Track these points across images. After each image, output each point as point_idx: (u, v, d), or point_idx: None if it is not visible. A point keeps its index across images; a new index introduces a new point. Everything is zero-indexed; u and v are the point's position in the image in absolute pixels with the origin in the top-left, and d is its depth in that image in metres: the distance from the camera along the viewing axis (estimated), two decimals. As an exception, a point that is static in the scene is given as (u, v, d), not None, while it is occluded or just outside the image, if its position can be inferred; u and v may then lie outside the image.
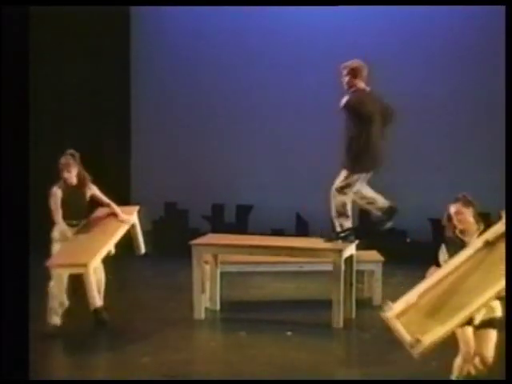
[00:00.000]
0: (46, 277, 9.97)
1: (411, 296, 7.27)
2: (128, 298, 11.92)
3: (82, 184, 10.32)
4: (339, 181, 10.54)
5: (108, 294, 10.37)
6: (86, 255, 10.00)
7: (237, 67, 15.31)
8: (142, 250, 10.89)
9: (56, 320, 10.05)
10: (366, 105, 10.31)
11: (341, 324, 10.38)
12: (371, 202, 10.72)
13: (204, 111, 15.43)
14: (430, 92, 15.14)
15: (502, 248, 7.17)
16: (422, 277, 10.16)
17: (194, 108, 15.45)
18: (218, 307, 11.39)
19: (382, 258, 11.65)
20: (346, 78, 10.36)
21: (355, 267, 10.99)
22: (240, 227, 14.77)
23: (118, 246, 10.56)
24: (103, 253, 10.20)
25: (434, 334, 6.92)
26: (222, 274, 11.52)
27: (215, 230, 13.37)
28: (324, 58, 14.85)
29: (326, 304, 10.56)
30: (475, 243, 7.39)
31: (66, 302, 10.11)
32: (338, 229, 10.55)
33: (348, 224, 10.56)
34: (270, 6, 14.95)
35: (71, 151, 10.36)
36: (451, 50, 15.14)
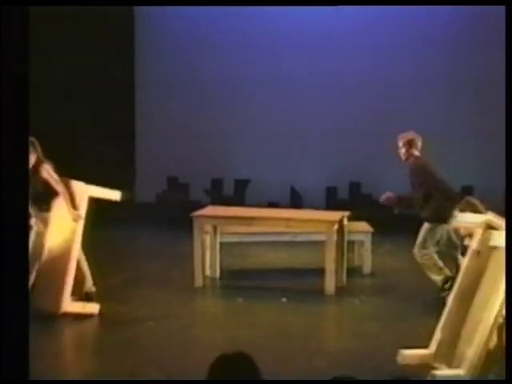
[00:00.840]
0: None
1: (437, 334, 7.24)
2: (133, 266, 11.93)
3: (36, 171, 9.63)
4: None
5: (115, 264, 10.35)
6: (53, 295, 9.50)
7: (234, 54, 15.25)
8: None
9: None
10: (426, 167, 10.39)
11: (333, 291, 10.40)
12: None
13: (205, 92, 15.39)
14: (430, 92, 15.02)
15: (491, 254, 7.11)
16: (409, 246, 10.25)
17: (196, 89, 15.41)
18: (217, 275, 11.41)
19: (371, 229, 11.67)
20: (403, 150, 10.43)
21: (346, 238, 11.03)
22: (238, 200, 14.78)
23: (121, 218, 10.50)
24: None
25: (469, 360, 6.94)
26: (221, 244, 11.53)
27: (214, 203, 13.36)
28: (321, 43, 14.97)
29: (319, 272, 10.59)
30: (467, 257, 7.33)
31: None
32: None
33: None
34: (272, 6, 14.81)
35: (31, 139, 9.89)
36: (451, 50, 14.91)
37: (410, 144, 10.41)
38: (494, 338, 7.07)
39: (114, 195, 9.79)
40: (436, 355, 7.18)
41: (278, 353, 8.19)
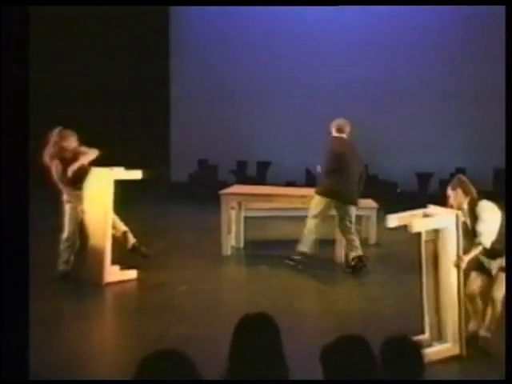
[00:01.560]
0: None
1: (426, 319, 7.34)
2: (168, 238, 11.97)
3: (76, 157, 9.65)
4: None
5: (153, 235, 10.37)
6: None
7: (258, 49, 15.22)
8: None
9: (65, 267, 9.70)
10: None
11: (342, 259, 10.43)
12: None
13: (232, 84, 15.37)
14: (430, 91, 14.83)
15: (438, 237, 7.15)
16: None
17: (224, 81, 15.39)
18: (241, 245, 11.46)
19: (376, 205, 11.68)
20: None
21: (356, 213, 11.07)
22: (260, 180, 14.81)
23: (157, 195, 10.51)
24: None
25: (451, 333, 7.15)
26: (245, 218, 11.58)
27: (239, 182, 13.39)
28: (336, 43, 14.90)
29: (330, 243, 10.60)
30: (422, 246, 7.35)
31: (77, 242, 9.75)
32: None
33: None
34: (292, 7, 14.72)
35: (71, 132, 9.71)
36: (451, 50, 14.65)
37: (338, 129, 10.33)
38: (463, 308, 7.15)
39: (136, 175, 9.71)
40: (431, 337, 7.25)
41: (294, 313, 8.24)
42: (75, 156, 9.62)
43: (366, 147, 14.59)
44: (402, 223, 6.99)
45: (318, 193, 10.11)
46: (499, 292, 7.34)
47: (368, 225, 11.60)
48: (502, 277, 7.30)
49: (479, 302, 7.52)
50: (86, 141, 9.68)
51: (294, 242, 10.54)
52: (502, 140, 8.54)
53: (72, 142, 9.63)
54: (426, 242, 7.19)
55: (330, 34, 15.12)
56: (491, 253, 7.39)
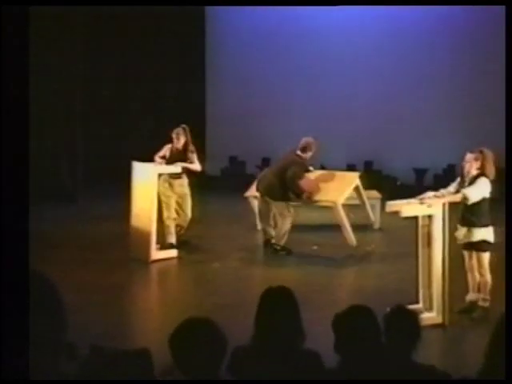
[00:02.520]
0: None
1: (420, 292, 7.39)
2: (204, 223, 11.88)
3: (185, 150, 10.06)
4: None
5: (191, 222, 10.30)
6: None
7: (280, 63, 15.01)
8: None
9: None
10: None
11: (354, 242, 10.27)
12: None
13: (257, 88, 15.10)
14: (429, 91, 14.13)
15: (430, 222, 7.19)
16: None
17: (249, 86, 15.16)
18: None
19: (380, 196, 11.61)
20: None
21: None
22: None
23: (196, 187, 10.51)
24: None
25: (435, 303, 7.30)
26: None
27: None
28: (351, 49, 14.39)
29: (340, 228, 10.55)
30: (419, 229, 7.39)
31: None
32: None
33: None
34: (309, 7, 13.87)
35: (183, 125, 10.18)
36: (451, 50, 13.80)
37: (302, 149, 10.23)
38: (446, 283, 7.17)
39: (176, 169, 9.77)
40: (424, 307, 7.27)
41: (310, 287, 8.21)
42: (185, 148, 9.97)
43: (371, 145, 14.57)
44: (395, 209, 7.13)
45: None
46: (482, 264, 7.34)
47: (373, 212, 11.53)
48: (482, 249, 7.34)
49: (477, 276, 7.47)
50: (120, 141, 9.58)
51: (310, 226, 10.47)
52: (496, 139, 8.34)
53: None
54: (422, 226, 7.25)
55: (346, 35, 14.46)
56: (466, 219, 7.34)
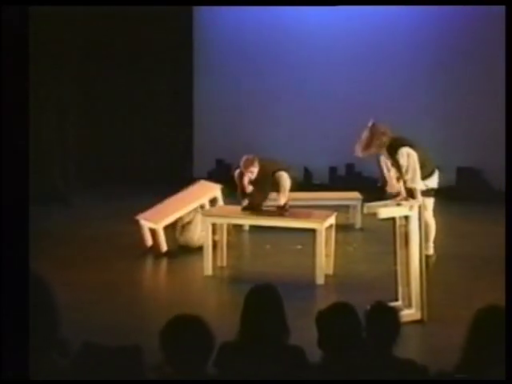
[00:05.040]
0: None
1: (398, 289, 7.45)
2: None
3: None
4: None
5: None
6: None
7: (264, 69, 14.91)
8: None
9: None
10: None
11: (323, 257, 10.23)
12: None
13: (243, 95, 14.99)
14: (429, 91, 13.81)
15: (408, 222, 7.27)
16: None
17: (238, 92, 15.01)
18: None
19: (361, 197, 11.63)
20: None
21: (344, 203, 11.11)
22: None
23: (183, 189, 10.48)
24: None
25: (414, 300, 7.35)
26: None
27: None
28: (338, 50, 14.12)
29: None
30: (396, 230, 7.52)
31: None
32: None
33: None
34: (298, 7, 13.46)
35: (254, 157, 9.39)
36: (451, 50, 13.47)
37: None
38: (424, 282, 7.23)
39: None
40: (403, 304, 7.32)
41: (294, 284, 8.24)
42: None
43: (353, 148, 14.42)
44: (372, 211, 7.21)
45: None
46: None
47: (354, 212, 11.55)
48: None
49: None
50: (109, 142, 9.35)
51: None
52: (497, 139, 8.26)
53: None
54: (399, 226, 7.35)
55: (339, 36, 14.09)
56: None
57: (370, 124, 8.20)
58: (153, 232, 9.81)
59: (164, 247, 9.73)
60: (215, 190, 10.63)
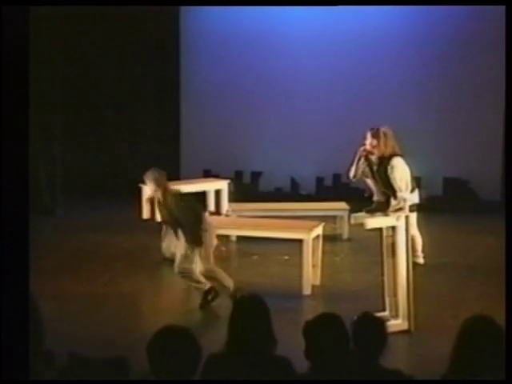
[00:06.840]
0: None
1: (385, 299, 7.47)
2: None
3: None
4: None
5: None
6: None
7: (254, 77, 14.85)
8: None
9: None
10: None
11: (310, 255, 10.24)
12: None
13: (229, 100, 14.90)
14: (429, 91, 13.57)
15: (395, 233, 7.29)
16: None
17: (225, 102, 14.95)
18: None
19: (348, 207, 11.64)
20: None
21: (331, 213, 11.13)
22: (254, 187, 14.77)
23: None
24: None
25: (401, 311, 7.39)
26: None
27: (236, 189, 13.13)
28: (329, 51, 13.85)
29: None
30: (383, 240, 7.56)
31: None
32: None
33: None
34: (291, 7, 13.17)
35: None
36: (451, 50, 13.29)
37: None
38: (411, 292, 7.25)
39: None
40: (390, 314, 7.34)
41: (281, 294, 8.24)
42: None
43: (339, 159, 14.37)
44: (359, 221, 7.27)
45: None
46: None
47: (341, 223, 11.56)
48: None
49: None
50: (96, 142, 9.28)
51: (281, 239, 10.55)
52: (496, 139, 8.28)
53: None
54: (386, 236, 7.36)
55: (332, 38, 13.79)
56: None
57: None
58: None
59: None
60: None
